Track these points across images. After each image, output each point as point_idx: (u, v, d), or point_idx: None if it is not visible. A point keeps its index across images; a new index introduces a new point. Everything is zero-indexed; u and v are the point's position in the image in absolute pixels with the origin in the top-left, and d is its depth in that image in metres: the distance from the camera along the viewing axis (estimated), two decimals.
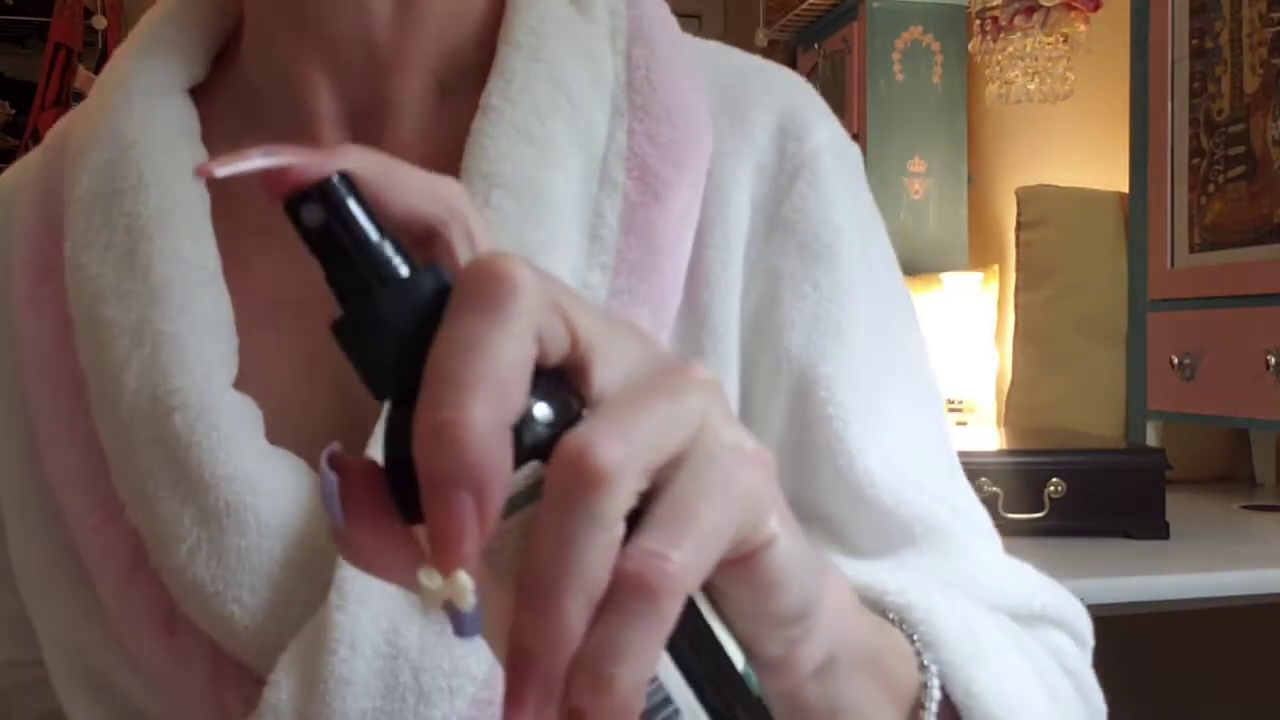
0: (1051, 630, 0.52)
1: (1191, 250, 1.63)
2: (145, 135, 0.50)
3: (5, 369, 0.52)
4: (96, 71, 2.63)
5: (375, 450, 0.45)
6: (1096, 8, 1.90)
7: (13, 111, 3.03)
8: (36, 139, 2.55)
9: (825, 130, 0.54)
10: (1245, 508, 1.59)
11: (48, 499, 0.50)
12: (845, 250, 0.52)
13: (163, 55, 0.53)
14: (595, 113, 0.50)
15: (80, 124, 0.53)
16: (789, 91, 0.55)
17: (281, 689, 0.43)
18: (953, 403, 2.22)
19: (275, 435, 0.47)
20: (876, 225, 0.57)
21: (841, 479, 0.51)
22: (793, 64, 2.97)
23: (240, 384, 0.48)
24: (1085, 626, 0.54)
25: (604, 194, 0.49)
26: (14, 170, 0.58)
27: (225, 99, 0.54)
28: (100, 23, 2.73)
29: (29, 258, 0.52)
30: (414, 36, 0.51)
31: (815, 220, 0.52)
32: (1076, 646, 0.53)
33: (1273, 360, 1.43)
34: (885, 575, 0.45)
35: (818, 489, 0.52)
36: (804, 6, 2.74)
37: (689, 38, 0.56)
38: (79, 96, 2.45)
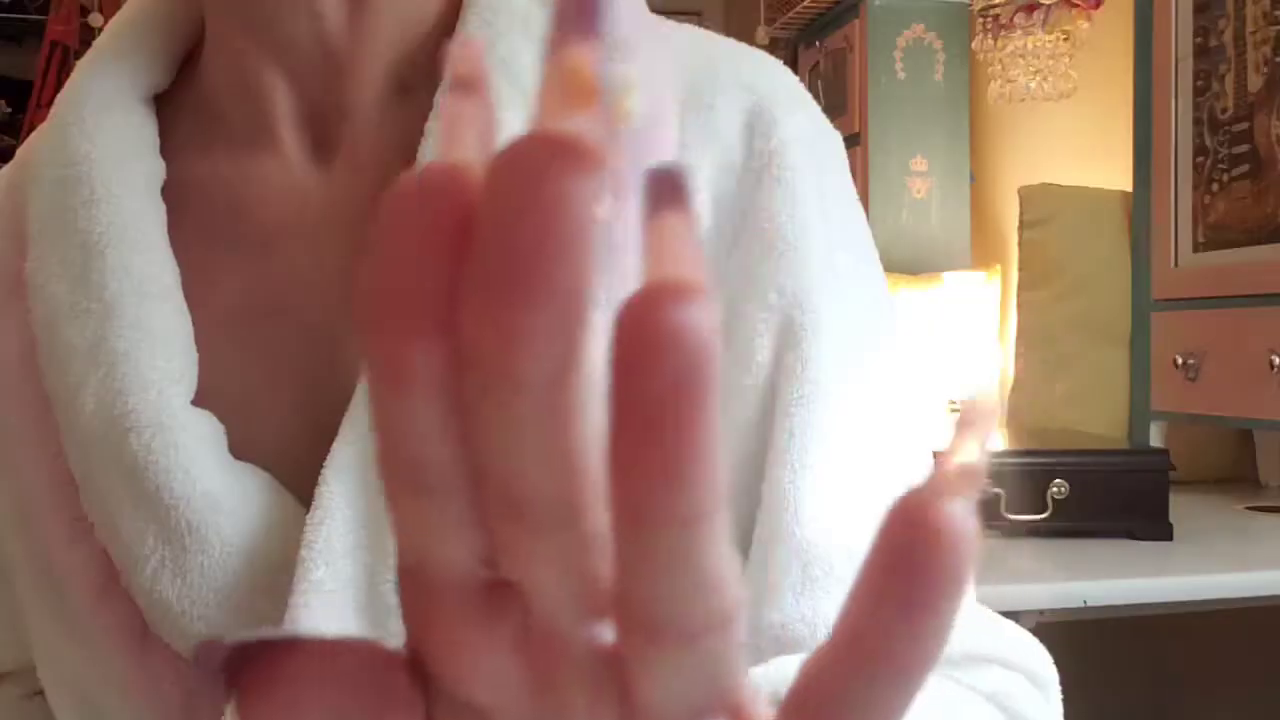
0: (994, 670, 0.49)
1: (1195, 250, 1.62)
2: (97, 149, 0.49)
3: None
4: None
5: (331, 462, 0.44)
6: (1098, 5, 1.89)
7: (9, 110, 3.03)
8: None
9: (794, 122, 0.51)
10: (1249, 509, 1.59)
11: (23, 511, 0.50)
12: (812, 250, 0.50)
13: (119, 65, 0.52)
14: None
15: (40, 140, 0.53)
16: (757, 82, 0.52)
17: None
18: (955, 404, 2.22)
19: (242, 449, 0.46)
20: (852, 218, 0.54)
21: (772, 512, 0.48)
22: (794, 62, 2.96)
23: (204, 398, 0.47)
24: (1040, 663, 0.51)
25: None
26: None
27: (187, 105, 0.54)
28: (97, 20, 2.73)
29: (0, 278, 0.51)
30: (368, 38, 0.50)
31: (781, 220, 0.50)
32: (1031, 686, 0.50)
33: (1277, 360, 1.42)
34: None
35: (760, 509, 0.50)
36: (805, 4, 2.73)
37: (659, 20, 0.53)
38: None
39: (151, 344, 0.46)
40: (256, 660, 0.21)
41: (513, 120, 0.47)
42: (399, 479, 0.19)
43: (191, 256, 0.49)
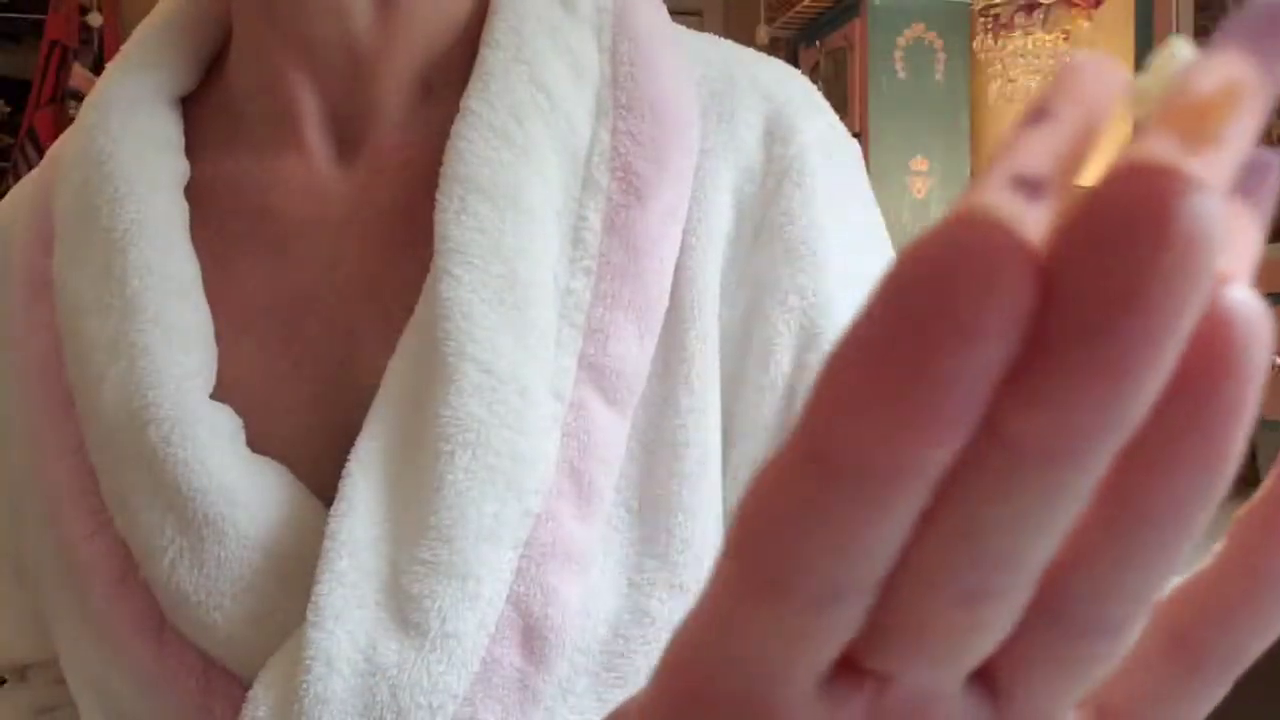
0: None
1: None
2: (121, 149, 0.50)
3: (14, 380, 0.53)
4: (92, 69, 2.65)
5: (356, 456, 0.45)
6: (1098, 4, 1.89)
7: (8, 109, 3.03)
8: (32, 137, 2.55)
9: (813, 129, 0.52)
10: None
11: (47, 507, 0.50)
12: (831, 252, 0.51)
13: (146, 67, 0.53)
14: (578, 113, 0.49)
15: (68, 141, 0.54)
16: (776, 90, 0.53)
17: (259, 706, 0.43)
18: None
19: (260, 443, 0.47)
20: (871, 222, 0.55)
21: None
22: (794, 61, 2.97)
23: (224, 392, 0.48)
24: None
25: (587, 195, 0.48)
26: (15, 191, 0.59)
27: (213, 105, 0.54)
28: (96, 20, 2.73)
29: (26, 276, 0.53)
30: (396, 40, 0.51)
31: (801, 224, 0.50)
32: None
33: (1277, 360, 1.42)
34: None
35: None
36: (805, 4, 2.74)
37: (681, 29, 0.54)
38: (74, 94, 2.45)
39: (171, 339, 0.47)
40: None
41: (536, 131, 0.48)
42: (799, 589, 0.16)
43: (214, 254, 0.50)
